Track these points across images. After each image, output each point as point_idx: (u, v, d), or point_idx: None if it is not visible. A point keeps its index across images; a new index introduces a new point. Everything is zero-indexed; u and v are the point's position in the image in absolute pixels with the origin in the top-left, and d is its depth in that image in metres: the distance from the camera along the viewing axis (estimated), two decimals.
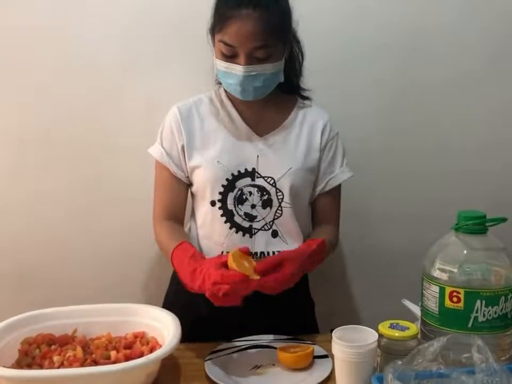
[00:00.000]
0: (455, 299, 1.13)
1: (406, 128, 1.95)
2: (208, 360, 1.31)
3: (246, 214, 1.51)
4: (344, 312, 1.94)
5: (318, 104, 1.61)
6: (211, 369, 1.27)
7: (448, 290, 1.14)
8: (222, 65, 1.42)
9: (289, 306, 1.52)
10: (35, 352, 1.23)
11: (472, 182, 1.98)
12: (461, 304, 1.13)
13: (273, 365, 1.31)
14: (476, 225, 1.16)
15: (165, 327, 1.29)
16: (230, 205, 1.50)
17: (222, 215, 1.50)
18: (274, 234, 1.52)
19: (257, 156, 1.51)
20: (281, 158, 1.51)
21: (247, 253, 1.35)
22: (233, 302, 1.26)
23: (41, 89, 1.79)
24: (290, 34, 1.49)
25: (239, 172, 1.50)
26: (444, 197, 1.97)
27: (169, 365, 1.27)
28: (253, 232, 1.52)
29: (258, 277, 1.27)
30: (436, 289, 1.16)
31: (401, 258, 1.96)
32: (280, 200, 1.51)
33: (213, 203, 1.50)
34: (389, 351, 1.15)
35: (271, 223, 1.52)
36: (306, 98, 1.61)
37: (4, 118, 1.78)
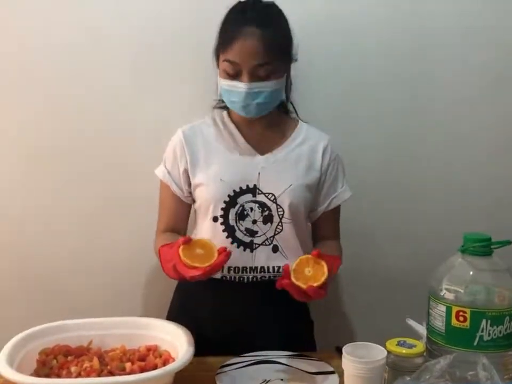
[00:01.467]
0: (461, 318, 1.17)
1: (410, 147, 1.99)
2: (218, 374, 1.34)
3: (247, 229, 1.55)
4: (347, 329, 1.97)
5: (318, 126, 1.66)
6: (222, 382, 1.30)
7: (454, 309, 1.18)
8: (225, 83, 1.48)
9: (290, 325, 1.55)
10: (52, 363, 1.26)
11: (475, 202, 2.01)
12: (467, 323, 1.17)
13: (281, 380, 1.34)
14: (481, 247, 1.21)
15: (177, 341, 1.32)
16: (232, 221, 1.54)
17: (223, 230, 1.55)
18: (275, 249, 1.56)
19: (259, 173, 1.55)
20: (282, 175, 1.56)
21: (189, 241, 1.32)
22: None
23: (53, 105, 1.83)
24: (292, 52, 1.54)
25: (240, 188, 1.54)
26: (447, 217, 2.00)
27: (180, 378, 1.28)
28: (254, 247, 1.56)
29: (215, 257, 1.29)
30: (442, 308, 1.20)
31: (403, 277, 1.99)
32: (280, 216, 1.55)
33: (215, 219, 1.55)
34: (396, 368, 1.19)
35: (271, 238, 1.56)
36: (297, 116, 1.68)
37: (17, 131, 1.82)
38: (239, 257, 1.54)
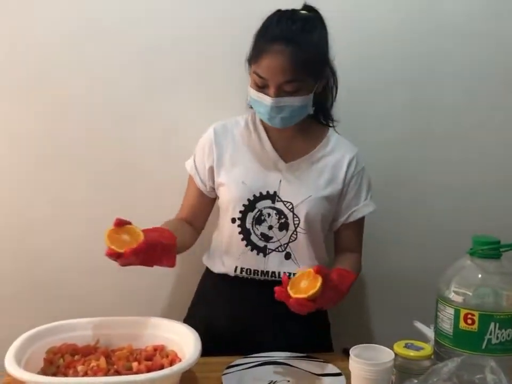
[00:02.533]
0: (469, 321, 1.17)
1: (419, 149, 1.98)
2: (224, 374, 1.34)
3: (262, 234, 1.57)
4: (355, 331, 1.96)
5: (348, 138, 1.65)
6: (227, 383, 1.30)
7: (463, 312, 1.17)
8: (254, 94, 1.48)
9: (307, 326, 1.54)
10: (59, 362, 1.26)
11: (484, 204, 2.01)
12: (475, 326, 1.16)
13: (288, 381, 1.34)
14: (490, 250, 1.20)
15: (184, 341, 1.31)
16: (248, 224, 1.56)
17: (239, 233, 1.57)
18: (287, 256, 1.58)
19: (280, 181, 1.57)
20: (302, 185, 1.57)
21: (122, 224, 1.33)
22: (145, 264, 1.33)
23: (64, 108, 1.82)
24: (323, 69, 1.53)
25: (260, 193, 1.55)
26: (455, 219, 1.99)
27: (186, 378, 1.29)
28: (267, 252, 1.57)
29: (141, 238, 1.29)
30: (451, 311, 1.20)
31: (411, 280, 1.98)
32: (296, 225, 1.56)
33: (233, 220, 1.57)
34: (403, 370, 1.19)
35: (285, 245, 1.57)
36: (329, 126, 1.66)
37: (21, 133, 1.81)
38: (252, 260, 1.57)
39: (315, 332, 1.61)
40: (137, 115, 1.85)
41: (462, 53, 1.94)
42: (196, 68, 1.82)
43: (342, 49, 1.85)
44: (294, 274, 1.46)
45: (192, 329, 1.34)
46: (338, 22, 1.84)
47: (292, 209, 1.55)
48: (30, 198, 1.84)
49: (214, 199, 1.68)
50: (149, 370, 1.23)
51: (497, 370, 1.04)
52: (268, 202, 1.56)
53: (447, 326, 1.21)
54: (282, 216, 1.56)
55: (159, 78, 1.84)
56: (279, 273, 1.57)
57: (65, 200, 1.85)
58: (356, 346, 1.20)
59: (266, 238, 1.57)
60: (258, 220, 1.56)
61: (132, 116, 1.85)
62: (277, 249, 1.57)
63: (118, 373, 1.23)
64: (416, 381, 1.08)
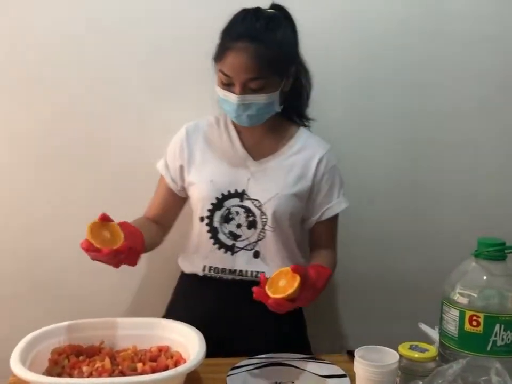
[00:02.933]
0: (474, 323, 1.16)
1: (424, 153, 1.99)
2: (229, 375, 1.34)
3: (230, 232, 1.58)
4: (359, 333, 1.96)
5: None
6: None
7: (468, 314, 1.17)
8: (221, 92, 1.50)
9: (277, 325, 1.53)
10: (64, 362, 1.26)
11: (489, 207, 2.01)
12: (480, 328, 1.16)
13: (293, 382, 1.34)
14: (495, 252, 1.20)
15: (188, 342, 1.31)
16: (216, 223, 1.57)
17: (208, 231, 1.58)
18: (256, 254, 1.58)
19: (248, 179, 1.57)
20: (270, 182, 1.57)
21: (106, 219, 1.32)
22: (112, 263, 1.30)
23: (64, 109, 1.83)
24: (289, 67, 1.53)
25: (229, 192, 1.56)
26: (460, 221, 2.00)
27: (191, 379, 1.29)
28: (235, 251, 1.58)
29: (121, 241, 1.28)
30: (456, 313, 1.19)
31: (416, 282, 1.99)
32: (263, 223, 1.56)
33: (201, 219, 1.59)
34: (408, 372, 1.18)
35: (254, 243, 1.58)
36: (304, 125, 1.68)
37: (22, 133, 1.82)
38: (220, 259, 1.58)
39: (287, 332, 1.60)
40: (137, 115, 1.86)
41: (465, 56, 1.95)
42: (196, 68, 1.81)
43: (343, 50, 1.87)
44: (263, 273, 1.49)
45: (197, 330, 1.34)
46: (339, 23, 1.87)
47: (259, 207, 1.56)
48: (30, 198, 1.85)
49: (184, 199, 1.69)
50: (153, 371, 1.23)
51: (502, 372, 1.04)
52: (236, 201, 1.56)
53: (452, 327, 1.20)
54: (250, 214, 1.56)
55: (160, 78, 1.85)
56: (246, 271, 1.57)
57: (66, 200, 1.86)
58: (360, 347, 1.19)
59: (234, 236, 1.57)
60: (227, 218, 1.57)
61: (133, 116, 1.86)
62: (245, 248, 1.58)
63: (122, 373, 1.23)
64: (421, 383, 1.08)
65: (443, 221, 2.01)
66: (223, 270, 1.58)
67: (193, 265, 1.61)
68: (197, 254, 1.61)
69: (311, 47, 1.66)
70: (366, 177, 1.93)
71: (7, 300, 1.87)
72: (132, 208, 1.77)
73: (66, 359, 1.28)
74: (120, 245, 1.27)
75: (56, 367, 1.25)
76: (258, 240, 1.57)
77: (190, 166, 1.61)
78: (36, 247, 1.87)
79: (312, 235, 1.69)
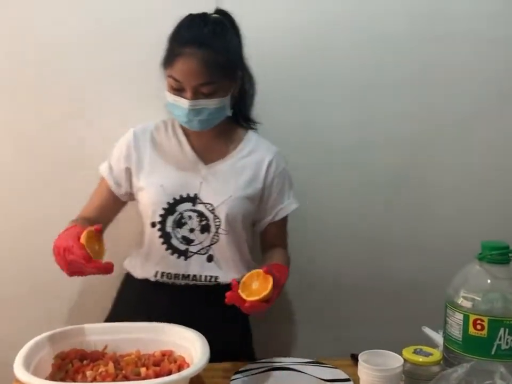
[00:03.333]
0: (478, 327, 1.16)
1: (425, 154, 1.99)
2: (233, 380, 1.34)
3: (183, 237, 1.56)
4: (363, 337, 1.96)
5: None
6: None
7: (472, 318, 1.17)
8: (171, 97, 1.49)
9: (226, 330, 1.53)
10: (68, 367, 1.26)
11: (492, 210, 2.01)
12: (485, 332, 1.16)
13: None
14: (499, 255, 1.20)
15: (192, 346, 1.31)
16: (169, 228, 1.56)
17: (160, 236, 1.57)
18: (210, 258, 1.58)
19: (200, 183, 1.57)
20: (222, 186, 1.57)
21: (99, 231, 1.34)
22: (78, 274, 1.29)
23: (65, 109, 1.84)
24: (237, 71, 1.55)
25: (181, 196, 1.56)
26: (463, 224, 1.99)
27: None
28: (188, 255, 1.57)
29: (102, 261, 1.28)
30: (460, 316, 1.19)
31: (420, 285, 1.98)
32: (217, 227, 1.56)
33: (153, 224, 1.56)
34: (412, 376, 1.19)
35: (207, 247, 1.57)
36: (251, 128, 1.68)
37: (27, 135, 1.83)
38: (173, 264, 1.56)
39: (235, 337, 1.60)
40: (139, 116, 1.85)
41: (470, 57, 1.94)
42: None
43: (346, 52, 1.88)
44: (215, 277, 1.54)
45: (200, 334, 1.33)
46: (343, 25, 1.87)
47: (212, 211, 1.55)
48: (31, 199, 1.85)
49: (124, 204, 1.66)
50: (157, 375, 1.22)
51: (507, 376, 1.04)
52: (188, 205, 1.55)
53: (456, 331, 1.20)
54: (203, 218, 1.56)
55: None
56: (200, 276, 1.56)
57: (67, 201, 1.84)
58: (364, 352, 1.19)
59: (187, 241, 1.56)
60: (179, 223, 1.56)
61: (136, 118, 1.85)
62: (198, 252, 1.57)
63: (126, 378, 1.22)
64: None
65: (447, 224, 2.00)
66: (176, 276, 1.56)
67: (144, 270, 1.59)
68: (148, 259, 1.59)
69: (312, 47, 1.68)
70: (368, 179, 1.93)
71: (8, 301, 1.87)
72: (133, 207, 1.77)
73: (70, 363, 1.28)
74: (109, 264, 1.27)
75: (59, 371, 1.25)
76: (211, 244, 1.57)
77: (139, 171, 1.59)
78: (37, 247, 1.85)
79: (265, 236, 1.69)
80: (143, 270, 1.59)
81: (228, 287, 1.47)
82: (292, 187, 1.68)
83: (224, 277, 1.56)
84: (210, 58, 1.43)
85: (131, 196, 1.64)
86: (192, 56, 1.42)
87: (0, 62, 1.80)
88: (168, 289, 1.58)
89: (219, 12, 1.55)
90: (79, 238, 1.28)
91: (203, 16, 1.51)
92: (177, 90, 1.47)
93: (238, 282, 1.33)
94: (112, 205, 1.65)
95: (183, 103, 1.46)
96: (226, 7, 1.57)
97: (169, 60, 1.46)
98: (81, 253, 1.24)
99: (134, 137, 1.61)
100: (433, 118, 1.96)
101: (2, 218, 1.86)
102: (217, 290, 1.53)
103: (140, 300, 1.60)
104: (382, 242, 1.99)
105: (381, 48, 1.91)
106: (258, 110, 1.70)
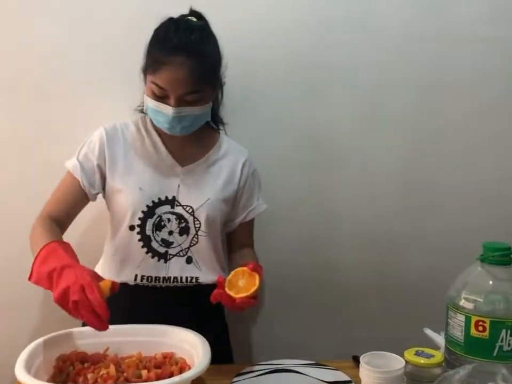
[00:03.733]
0: (480, 328, 1.16)
1: (428, 154, 1.98)
2: (234, 382, 1.34)
3: (163, 240, 1.56)
4: (364, 339, 1.96)
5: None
6: None
7: (473, 319, 1.16)
8: (152, 103, 1.47)
9: (208, 331, 1.48)
10: (69, 369, 1.26)
11: (494, 211, 2.00)
12: (486, 333, 1.15)
13: None
14: (501, 256, 1.19)
15: (193, 348, 1.32)
16: (148, 231, 1.55)
17: (139, 240, 1.55)
18: (189, 260, 1.58)
19: (178, 185, 1.57)
20: (201, 188, 1.58)
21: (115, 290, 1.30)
22: (76, 315, 1.22)
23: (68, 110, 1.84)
24: (219, 76, 1.55)
25: (159, 199, 1.55)
26: (465, 225, 1.99)
27: None
28: (168, 258, 1.57)
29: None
30: (461, 318, 1.19)
31: (421, 286, 1.98)
32: (197, 229, 1.57)
33: (131, 228, 1.55)
34: (414, 378, 1.19)
35: (186, 249, 1.58)
36: (221, 129, 1.69)
37: (29, 136, 1.83)
38: (153, 267, 1.56)
39: (216, 336, 1.55)
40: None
41: (467, 58, 1.94)
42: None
43: (345, 53, 1.87)
44: (196, 278, 1.55)
45: (202, 336, 1.34)
46: (342, 25, 1.87)
47: (192, 213, 1.56)
48: (37, 200, 1.84)
49: (87, 202, 1.59)
50: (158, 378, 1.22)
51: (509, 377, 1.04)
52: (167, 208, 1.55)
53: (458, 333, 1.20)
54: (182, 221, 1.56)
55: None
56: (181, 278, 1.57)
57: None
58: (366, 353, 1.19)
59: (167, 243, 1.56)
60: (158, 226, 1.55)
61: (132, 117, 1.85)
62: (178, 254, 1.57)
63: (127, 380, 1.23)
64: None
65: (448, 226, 2.00)
66: (157, 278, 1.56)
67: (122, 274, 1.56)
68: (126, 263, 1.57)
69: (316, 46, 1.68)
70: (373, 178, 1.93)
71: (11, 303, 1.87)
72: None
73: (71, 366, 1.28)
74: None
75: (61, 374, 1.25)
76: (190, 246, 1.57)
77: (113, 171, 1.56)
78: None
79: (235, 236, 1.71)
80: (120, 274, 1.56)
81: (208, 287, 1.49)
82: (261, 188, 1.71)
83: (204, 277, 1.57)
84: (197, 67, 1.41)
85: (96, 197, 1.60)
86: (180, 66, 1.40)
87: (0, 62, 1.80)
88: (147, 292, 1.57)
89: (195, 13, 1.52)
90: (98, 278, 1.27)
91: (186, 21, 1.49)
92: (160, 97, 1.45)
93: (225, 279, 1.35)
94: (80, 203, 1.58)
95: (167, 110, 1.45)
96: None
97: (154, 67, 1.43)
98: (99, 296, 1.20)
99: (106, 135, 1.57)
100: (438, 117, 1.96)
101: (4, 220, 1.86)
102: (197, 290, 1.56)
103: (119, 305, 1.49)
104: (383, 244, 1.98)
105: (386, 46, 1.91)
106: (255, 109, 1.71)
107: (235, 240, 1.71)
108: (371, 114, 1.94)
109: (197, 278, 1.57)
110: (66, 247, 1.36)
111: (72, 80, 1.82)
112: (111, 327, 1.38)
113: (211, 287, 1.43)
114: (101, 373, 1.24)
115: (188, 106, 1.46)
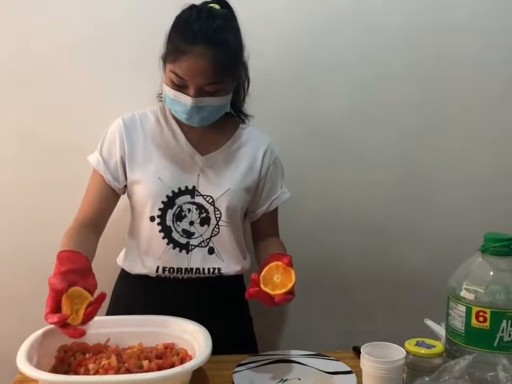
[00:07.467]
0: (481, 319, 1.16)
1: (429, 146, 1.99)
2: (235, 372, 1.34)
3: (184, 230, 1.54)
4: (365, 329, 1.96)
5: (259, 128, 1.65)
6: (239, 381, 1.30)
7: (474, 310, 1.17)
8: (171, 92, 1.44)
9: (231, 322, 1.54)
10: (70, 360, 1.26)
11: (495, 202, 2.01)
12: (487, 324, 1.16)
13: (299, 379, 1.34)
14: (502, 247, 1.19)
15: (194, 339, 1.32)
16: (169, 221, 1.53)
17: (160, 231, 1.53)
18: (211, 251, 1.56)
19: (198, 175, 1.55)
20: (221, 178, 1.55)
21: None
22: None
23: (71, 108, 1.84)
24: (240, 69, 1.52)
25: (179, 189, 1.53)
26: (466, 216, 2.00)
27: (197, 377, 1.28)
28: (190, 249, 1.54)
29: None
30: (462, 308, 1.19)
31: (422, 277, 1.99)
32: (218, 219, 1.54)
33: (152, 218, 1.53)
34: (414, 368, 1.19)
35: (208, 240, 1.55)
36: (243, 121, 1.65)
37: (33, 133, 1.84)
38: (175, 258, 1.54)
39: (239, 327, 1.60)
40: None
41: (476, 49, 1.94)
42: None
43: (351, 44, 1.87)
44: (218, 269, 1.53)
45: (203, 327, 1.34)
46: (344, 18, 1.86)
47: (212, 203, 1.54)
48: (39, 197, 1.86)
49: (119, 198, 1.59)
50: (159, 368, 1.23)
51: (509, 368, 1.04)
52: (187, 198, 1.53)
53: (458, 323, 1.20)
54: (203, 211, 1.54)
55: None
56: (203, 269, 1.54)
57: (73, 200, 1.85)
58: (367, 344, 1.19)
59: (188, 234, 1.54)
60: (179, 216, 1.53)
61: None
62: (199, 245, 1.55)
63: (128, 371, 1.22)
64: (427, 379, 1.08)
65: (450, 216, 2.00)
66: (179, 270, 1.54)
67: (144, 266, 1.55)
68: (148, 255, 1.55)
69: (316, 41, 1.67)
70: (373, 171, 1.93)
71: (13, 298, 1.88)
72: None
73: (72, 356, 1.28)
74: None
75: (62, 365, 1.25)
76: (212, 237, 1.55)
77: (132, 162, 1.53)
78: (42, 244, 1.86)
79: (260, 226, 1.68)
80: (143, 266, 1.55)
81: (230, 278, 1.48)
82: (283, 177, 1.68)
83: (226, 268, 1.55)
84: (219, 57, 1.37)
85: (125, 189, 1.59)
86: (201, 55, 1.35)
87: (1, 61, 1.80)
88: (169, 283, 1.56)
89: (219, 2, 1.47)
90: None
91: (209, 9, 1.43)
92: (179, 86, 1.42)
93: (258, 277, 1.33)
94: (112, 200, 1.58)
95: (186, 100, 1.41)
96: None
97: (174, 56, 1.39)
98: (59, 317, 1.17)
99: (124, 126, 1.54)
100: (438, 111, 1.96)
101: (7, 216, 1.87)
102: (220, 281, 1.55)
103: (140, 297, 1.57)
104: (384, 235, 1.99)
105: (386, 39, 1.90)
106: (260, 102, 1.70)
107: (260, 230, 1.69)
108: (372, 108, 1.94)
109: (219, 269, 1.54)
110: (73, 255, 1.34)
111: (82, 72, 1.83)
112: (112, 317, 1.39)
113: (233, 278, 1.42)
114: (102, 363, 1.23)
115: (207, 97, 1.42)
